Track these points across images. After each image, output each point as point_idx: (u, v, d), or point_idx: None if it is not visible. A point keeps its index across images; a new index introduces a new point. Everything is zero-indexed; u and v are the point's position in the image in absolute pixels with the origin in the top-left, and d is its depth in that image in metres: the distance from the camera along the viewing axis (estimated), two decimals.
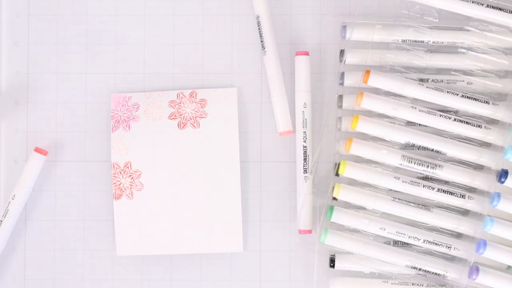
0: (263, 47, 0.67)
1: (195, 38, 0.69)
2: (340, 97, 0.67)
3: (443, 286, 0.65)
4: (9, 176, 0.69)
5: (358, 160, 0.66)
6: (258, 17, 0.67)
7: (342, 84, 0.67)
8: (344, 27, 0.67)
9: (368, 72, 0.65)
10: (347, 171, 0.65)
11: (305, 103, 0.67)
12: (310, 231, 0.67)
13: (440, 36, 0.66)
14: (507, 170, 0.63)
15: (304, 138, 0.67)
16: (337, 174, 0.66)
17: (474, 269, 0.63)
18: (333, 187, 0.65)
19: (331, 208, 0.65)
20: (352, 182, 0.66)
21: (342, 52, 0.67)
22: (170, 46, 0.69)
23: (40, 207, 0.69)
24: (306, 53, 0.67)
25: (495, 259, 0.63)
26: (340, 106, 0.67)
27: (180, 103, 0.68)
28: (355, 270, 0.66)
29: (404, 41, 0.66)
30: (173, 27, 0.69)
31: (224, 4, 0.69)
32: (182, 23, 0.69)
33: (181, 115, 0.68)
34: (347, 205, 0.66)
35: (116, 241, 0.68)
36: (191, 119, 0.68)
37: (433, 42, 0.66)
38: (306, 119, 0.67)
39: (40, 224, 0.69)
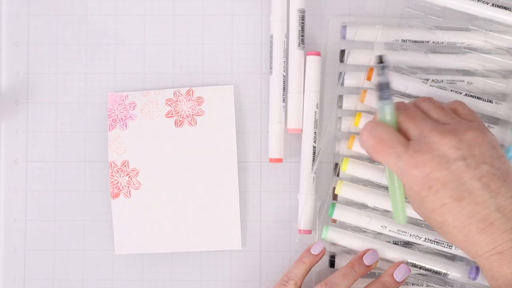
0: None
1: (195, 38, 0.69)
2: (340, 97, 0.67)
3: (443, 286, 0.65)
4: (9, 176, 0.69)
5: (360, 158, 0.66)
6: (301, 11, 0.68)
7: (342, 84, 0.67)
8: (344, 27, 0.67)
9: (372, 69, 0.65)
10: (349, 168, 0.65)
11: (317, 104, 0.67)
12: (310, 231, 0.67)
13: (444, 36, 0.66)
14: None
15: (315, 139, 0.67)
16: (337, 175, 0.66)
17: (474, 269, 0.63)
18: (334, 187, 0.65)
19: (333, 205, 0.65)
20: (354, 181, 0.66)
21: (342, 52, 0.67)
22: (170, 46, 0.69)
23: (40, 207, 0.69)
24: (318, 54, 0.67)
25: None
26: (340, 106, 0.67)
27: (176, 101, 0.68)
28: None
29: (404, 41, 0.66)
30: (173, 27, 0.69)
31: (224, 4, 0.69)
32: (182, 23, 0.69)
33: (178, 113, 0.68)
34: (349, 203, 0.66)
35: (115, 240, 0.68)
36: (188, 117, 0.68)
37: (433, 42, 0.66)
38: (317, 119, 0.67)
39: (40, 224, 0.69)
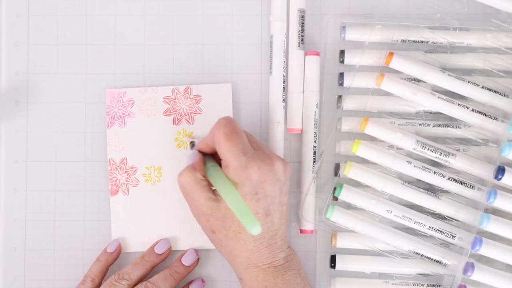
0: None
1: (195, 38, 0.69)
2: (340, 97, 0.67)
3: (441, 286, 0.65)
4: (9, 176, 0.69)
5: (364, 163, 0.66)
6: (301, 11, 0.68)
7: (341, 84, 0.67)
8: (344, 27, 0.67)
9: (391, 54, 0.65)
10: (360, 150, 0.65)
11: (317, 104, 0.67)
12: (312, 231, 0.67)
13: (463, 37, 0.66)
14: (504, 167, 0.63)
15: (315, 138, 0.67)
16: (338, 176, 0.66)
17: (470, 266, 0.63)
18: (335, 188, 0.65)
19: (340, 186, 0.65)
20: (364, 162, 0.66)
21: (341, 52, 0.67)
22: (170, 46, 0.69)
23: (40, 207, 0.69)
24: (317, 53, 0.67)
25: (492, 256, 0.63)
26: (339, 107, 0.67)
27: (175, 99, 0.69)
28: (355, 271, 0.66)
29: (403, 41, 0.66)
30: (173, 27, 0.69)
31: (224, 4, 0.69)
32: (182, 23, 0.69)
33: (176, 111, 0.68)
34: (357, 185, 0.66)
35: (112, 238, 0.68)
36: (186, 115, 0.68)
37: (432, 42, 0.66)
38: (317, 119, 0.67)
39: (40, 224, 0.69)
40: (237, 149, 0.59)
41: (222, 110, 0.68)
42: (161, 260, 0.67)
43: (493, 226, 0.63)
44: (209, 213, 0.60)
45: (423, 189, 0.65)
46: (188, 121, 0.68)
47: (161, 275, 0.65)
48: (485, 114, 0.64)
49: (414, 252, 0.64)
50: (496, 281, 0.63)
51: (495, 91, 0.64)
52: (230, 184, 0.58)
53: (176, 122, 0.68)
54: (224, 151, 0.60)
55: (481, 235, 0.63)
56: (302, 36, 0.67)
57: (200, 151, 0.63)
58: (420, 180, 0.65)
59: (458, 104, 0.64)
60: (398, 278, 0.66)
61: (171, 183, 0.68)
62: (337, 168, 0.67)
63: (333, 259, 0.66)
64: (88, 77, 0.69)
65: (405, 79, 0.65)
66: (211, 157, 0.63)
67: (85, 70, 0.69)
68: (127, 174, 0.68)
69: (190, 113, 0.68)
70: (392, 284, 0.66)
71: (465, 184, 0.64)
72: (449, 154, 0.64)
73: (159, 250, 0.67)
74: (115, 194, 0.68)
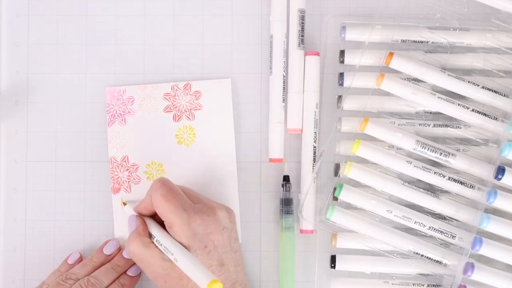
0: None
1: (195, 38, 0.69)
2: (340, 97, 0.67)
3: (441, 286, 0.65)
4: (9, 176, 0.69)
5: (364, 163, 0.66)
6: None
7: (341, 84, 0.67)
8: (344, 27, 0.67)
9: (391, 54, 0.65)
10: (360, 150, 0.65)
11: (317, 104, 0.67)
12: (312, 231, 0.67)
13: (463, 37, 0.66)
14: (504, 167, 0.63)
15: (315, 138, 0.67)
16: (338, 176, 0.66)
17: (470, 266, 0.63)
18: (335, 188, 0.65)
19: (340, 186, 0.65)
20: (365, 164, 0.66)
21: (341, 52, 0.67)
22: (170, 46, 0.69)
23: (40, 207, 0.69)
24: (317, 53, 0.67)
25: (492, 256, 0.63)
26: (339, 107, 0.67)
27: (174, 95, 0.69)
28: (355, 271, 0.66)
29: (404, 41, 0.66)
30: (173, 27, 0.69)
31: (224, 4, 0.69)
32: (182, 23, 0.69)
33: (176, 107, 0.68)
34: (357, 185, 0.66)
35: (115, 236, 0.68)
36: (186, 111, 0.68)
37: (432, 42, 0.66)
38: (317, 119, 0.67)
39: (40, 224, 0.69)
40: (177, 207, 0.59)
41: (222, 105, 0.68)
42: (109, 260, 0.66)
43: (493, 226, 0.63)
44: (165, 273, 0.60)
45: (423, 189, 0.65)
46: (189, 117, 0.68)
47: (102, 269, 0.64)
48: (485, 114, 0.64)
49: (414, 252, 0.64)
50: (496, 281, 0.63)
51: (495, 91, 0.64)
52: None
53: (177, 118, 0.69)
54: (165, 212, 0.60)
55: (481, 235, 0.63)
56: (302, 36, 0.67)
57: (139, 214, 0.63)
58: (420, 180, 0.65)
59: (458, 104, 0.64)
60: (398, 278, 0.66)
61: (172, 179, 0.68)
62: (337, 168, 0.67)
63: (333, 259, 0.66)
64: (88, 77, 0.69)
65: (405, 79, 0.65)
66: (151, 218, 0.63)
67: (85, 70, 0.69)
68: (129, 172, 0.68)
69: (190, 109, 0.69)
70: (392, 284, 0.66)
71: (465, 184, 0.64)
72: (449, 154, 0.64)
73: (107, 251, 0.66)
74: (117, 192, 0.68)
